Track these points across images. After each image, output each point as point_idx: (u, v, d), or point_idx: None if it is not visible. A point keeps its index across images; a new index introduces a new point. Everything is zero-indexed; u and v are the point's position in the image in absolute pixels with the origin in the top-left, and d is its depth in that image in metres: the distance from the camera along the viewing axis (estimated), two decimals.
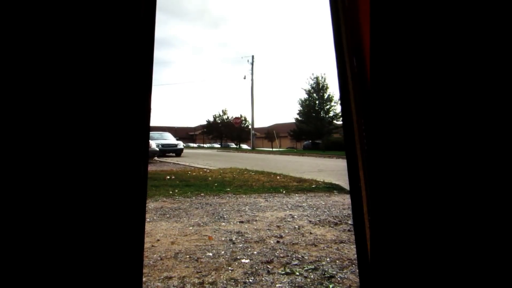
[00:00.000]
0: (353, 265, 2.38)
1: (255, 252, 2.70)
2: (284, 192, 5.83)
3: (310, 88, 31.24)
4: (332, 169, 10.00)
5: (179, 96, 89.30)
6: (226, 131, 41.78)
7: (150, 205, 4.63)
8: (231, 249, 2.78)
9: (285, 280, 2.16)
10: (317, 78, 31.19)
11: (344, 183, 6.23)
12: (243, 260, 2.52)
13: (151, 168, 9.73)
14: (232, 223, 3.71)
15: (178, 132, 38.53)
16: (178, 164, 12.26)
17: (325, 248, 2.82)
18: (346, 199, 5.04)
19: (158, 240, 3.04)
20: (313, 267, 2.39)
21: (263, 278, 2.19)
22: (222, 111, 44.57)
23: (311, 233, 3.29)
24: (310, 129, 29.58)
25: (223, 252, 2.71)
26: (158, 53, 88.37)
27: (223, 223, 3.68)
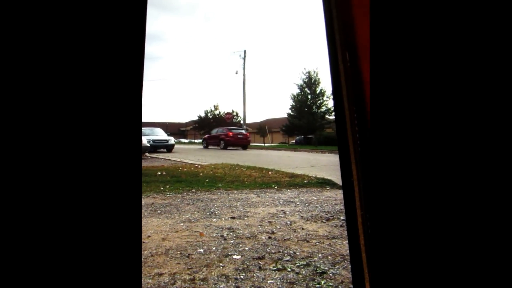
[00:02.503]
0: (345, 261, 2.38)
1: (246, 248, 2.69)
2: (276, 187, 5.82)
3: (302, 83, 31.22)
4: (324, 164, 10.04)
5: (170, 92, 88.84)
6: (217, 127, 41.67)
7: None
8: (222, 245, 2.76)
9: (276, 276, 2.15)
10: (309, 72, 31.15)
11: (337, 178, 6.25)
12: (234, 256, 2.50)
13: (142, 164, 9.65)
14: (223, 219, 3.69)
15: (169, 128, 38.35)
16: (169, 159, 12.19)
17: (317, 243, 2.81)
18: (339, 195, 5.06)
19: (149, 236, 3.01)
20: (305, 263, 2.38)
21: (254, 274, 2.18)
22: (214, 106, 44.35)
23: (303, 228, 3.28)
24: (302, 124, 29.60)
25: (214, 248, 2.69)
26: (149, 48, 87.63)
27: (214, 219, 3.66)
